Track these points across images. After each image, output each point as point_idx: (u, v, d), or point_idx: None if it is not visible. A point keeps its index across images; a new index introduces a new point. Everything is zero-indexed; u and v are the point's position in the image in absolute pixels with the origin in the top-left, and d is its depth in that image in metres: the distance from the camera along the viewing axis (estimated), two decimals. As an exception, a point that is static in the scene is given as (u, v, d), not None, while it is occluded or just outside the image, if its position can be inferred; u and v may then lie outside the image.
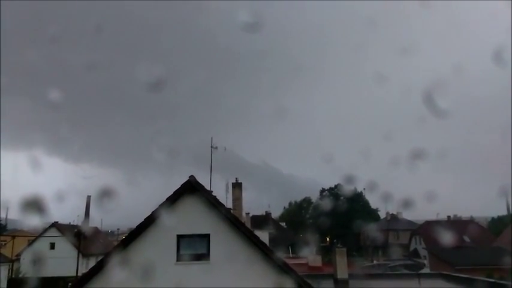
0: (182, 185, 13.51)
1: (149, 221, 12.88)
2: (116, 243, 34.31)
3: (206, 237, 13.29)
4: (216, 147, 26.00)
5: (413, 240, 62.65)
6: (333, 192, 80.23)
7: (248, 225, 32.92)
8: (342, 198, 75.74)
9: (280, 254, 15.45)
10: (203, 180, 15.07)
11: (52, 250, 47.91)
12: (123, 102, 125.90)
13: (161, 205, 13.08)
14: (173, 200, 13.35)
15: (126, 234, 16.93)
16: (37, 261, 45.35)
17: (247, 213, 44.40)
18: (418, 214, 71.00)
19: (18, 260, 48.02)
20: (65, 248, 47.17)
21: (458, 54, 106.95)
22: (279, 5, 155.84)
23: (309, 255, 40.39)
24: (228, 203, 23.04)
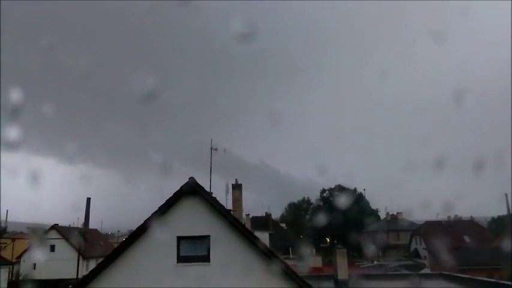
0: (182, 187, 13.49)
1: (149, 223, 12.86)
2: (116, 245, 34.24)
3: (206, 238, 13.27)
4: (216, 149, 26.00)
5: (413, 240, 62.61)
6: (333, 193, 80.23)
7: (248, 226, 32.98)
8: (341, 199, 75.70)
9: (281, 255, 15.44)
10: (202, 180, 15.07)
11: (52, 252, 47.82)
12: (120, 103, 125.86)
13: (161, 207, 13.08)
14: (173, 201, 13.35)
15: (127, 236, 16.93)
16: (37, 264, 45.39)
17: (247, 215, 44.41)
18: (418, 214, 71.06)
19: (18, 262, 48.00)
20: (65, 250, 47.17)
21: (458, 54, 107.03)
22: (277, 7, 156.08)
23: (309, 256, 40.41)
24: (228, 204, 23.03)
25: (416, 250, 58.91)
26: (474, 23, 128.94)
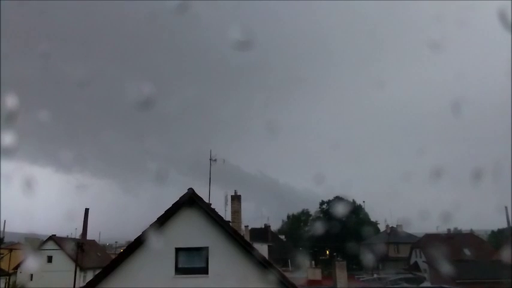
0: (181, 198, 13.46)
1: (147, 234, 12.80)
2: (114, 256, 34.02)
3: (205, 250, 13.20)
4: (215, 160, 25.99)
5: (413, 253, 62.21)
6: (332, 204, 79.79)
7: (247, 238, 32.78)
8: (341, 211, 75.29)
9: (280, 268, 15.33)
10: (201, 191, 15.04)
11: (49, 263, 47.41)
12: (119, 112, 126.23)
13: (159, 218, 13.03)
14: (171, 212, 13.30)
15: (124, 248, 16.83)
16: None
17: (246, 226, 44.28)
18: (418, 227, 70.71)
19: (15, 273, 47.55)
20: (63, 262, 46.76)
21: (457, 64, 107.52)
22: (276, 18, 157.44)
23: (309, 268, 40.13)
24: (227, 216, 22.92)
25: (416, 263, 58.49)
26: (473, 32, 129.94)
